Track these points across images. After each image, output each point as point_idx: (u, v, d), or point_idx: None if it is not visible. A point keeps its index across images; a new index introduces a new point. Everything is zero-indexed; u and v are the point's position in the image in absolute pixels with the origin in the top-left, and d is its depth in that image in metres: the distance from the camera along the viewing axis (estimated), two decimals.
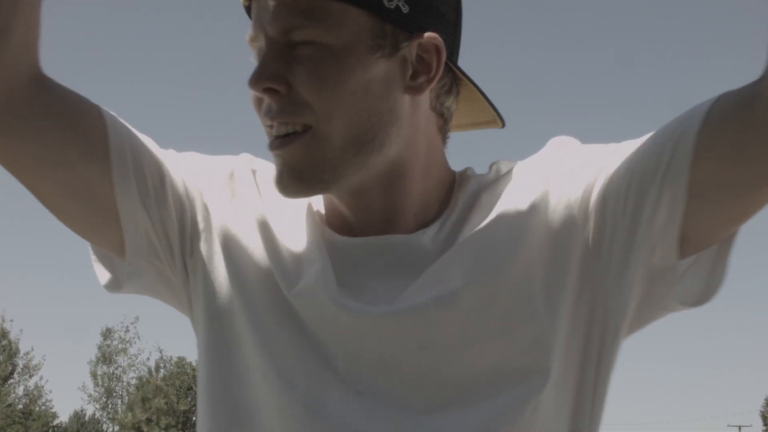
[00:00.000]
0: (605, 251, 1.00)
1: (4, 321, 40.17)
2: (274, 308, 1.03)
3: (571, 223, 1.01)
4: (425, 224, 1.06)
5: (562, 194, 1.02)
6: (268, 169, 1.13)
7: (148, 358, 45.98)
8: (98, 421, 53.47)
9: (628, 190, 0.96)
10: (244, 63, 1.05)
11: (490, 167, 1.13)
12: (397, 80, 1.01)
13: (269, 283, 1.04)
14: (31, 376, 42.50)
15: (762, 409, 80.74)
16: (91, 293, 67.35)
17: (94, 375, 45.46)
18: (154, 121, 65.08)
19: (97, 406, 46.03)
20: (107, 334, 45.97)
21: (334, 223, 1.08)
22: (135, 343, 43.56)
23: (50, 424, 41.43)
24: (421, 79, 1.02)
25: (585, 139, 1.11)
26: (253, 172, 1.13)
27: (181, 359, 39.66)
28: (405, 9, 0.99)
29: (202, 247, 1.08)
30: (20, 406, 40.44)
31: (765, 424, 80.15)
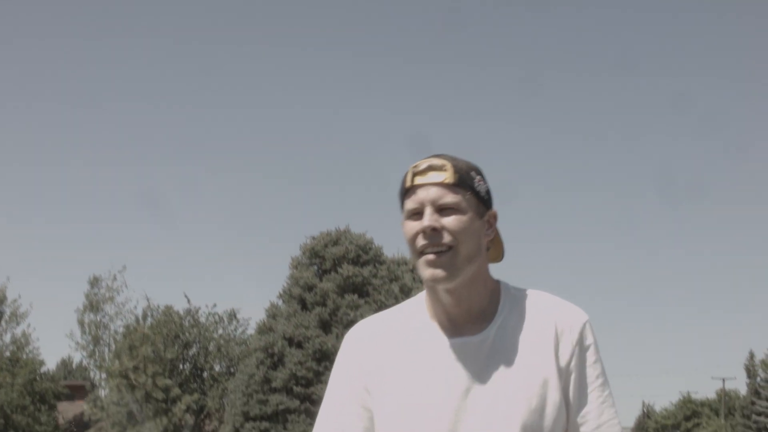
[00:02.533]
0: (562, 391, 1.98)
1: None
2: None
3: (555, 373, 1.95)
4: (487, 315, 1.98)
5: (561, 354, 1.95)
6: (381, 323, 2.08)
7: (135, 307, 45.96)
8: (85, 369, 53.66)
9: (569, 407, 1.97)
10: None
11: (525, 290, 2.05)
12: (482, 231, 1.97)
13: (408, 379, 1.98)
14: (18, 324, 42.49)
15: (746, 362, 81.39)
16: (78, 241, 67.20)
17: (81, 323, 45.41)
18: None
19: (85, 353, 46.04)
20: (94, 282, 45.83)
21: (444, 322, 1.99)
22: (122, 291, 43.40)
23: (37, 372, 41.45)
24: (489, 232, 2.00)
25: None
26: (370, 338, 2.06)
27: (168, 308, 39.55)
28: (486, 197, 1.98)
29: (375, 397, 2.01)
30: (7, 354, 40.46)
31: (749, 377, 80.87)
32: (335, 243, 28.19)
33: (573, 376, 1.95)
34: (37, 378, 40.76)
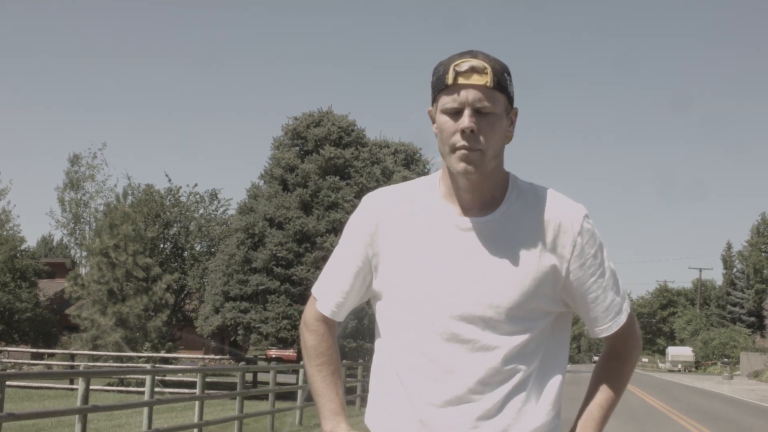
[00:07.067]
0: (562, 285, 2.17)
1: None
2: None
3: (554, 262, 2.13)
4: (496, 201, 2.15)
5: (561, 249, 2.13)
6: (397, 195, 2.25)
7: (116, 185, 45.72)
8: (66, 247, 53.85)
9: (573, 297, 2.20)
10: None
11: (531, 184, 2.22)
12: (506, 129, 2.13)
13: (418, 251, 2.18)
14: None
15: (723, 253, 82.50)
16: (58, 119, 66.30)
17: (61, 201, 45.27)
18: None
19: (65, 231, 46.05)
20: (75, 160, 45.52)
21: (455, 203, 2.17)
22: (102, 169, 43.20)
23: (18, 249, 41.42)
24: (510, 129, 2.16)
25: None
26: (385, 209, 2.23)
27: (149, 186, 39.32)
28: (512, 97, 2.13)
29: (381, 267, 2.24)
30: None
31: (725, 268, 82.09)
32: (317, 124, 27.82)
33: (575, 267, 2.14)
34: (18, 255, 40.73)
